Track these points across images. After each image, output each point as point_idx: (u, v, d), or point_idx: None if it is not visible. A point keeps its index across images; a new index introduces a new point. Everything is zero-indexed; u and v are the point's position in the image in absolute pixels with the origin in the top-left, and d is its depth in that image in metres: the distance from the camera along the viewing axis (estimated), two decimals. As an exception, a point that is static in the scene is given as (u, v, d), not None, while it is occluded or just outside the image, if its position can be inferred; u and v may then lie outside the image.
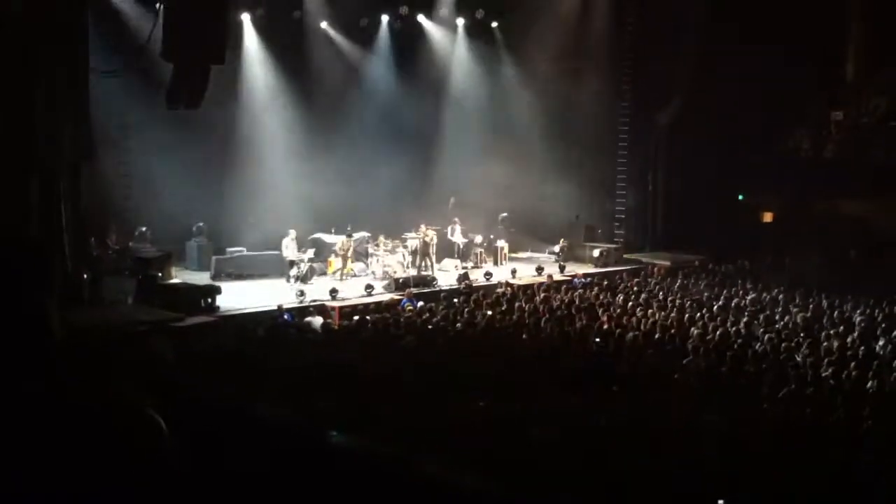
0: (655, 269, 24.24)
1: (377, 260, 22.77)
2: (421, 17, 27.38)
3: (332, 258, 22.68)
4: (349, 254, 22.47)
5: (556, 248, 26.71)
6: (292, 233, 22.07)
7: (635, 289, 20.43)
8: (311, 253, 22.25)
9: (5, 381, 2.42)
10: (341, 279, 21.82)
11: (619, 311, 17.66)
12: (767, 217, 29.47)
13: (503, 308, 17.80)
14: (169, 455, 2.39)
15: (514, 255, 26.77)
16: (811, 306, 18.05)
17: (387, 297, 20.13)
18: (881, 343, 14.57)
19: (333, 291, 19.86)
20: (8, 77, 15.96)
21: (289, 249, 21.91)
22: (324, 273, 22.37)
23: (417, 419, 7.50)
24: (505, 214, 27.56)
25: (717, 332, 15.07)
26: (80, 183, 17.72)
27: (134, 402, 2.45)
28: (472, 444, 6.40)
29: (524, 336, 14.76)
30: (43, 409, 2.35)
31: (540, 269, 24.19)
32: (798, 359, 13.29)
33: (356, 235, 22.85)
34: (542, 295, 19.59)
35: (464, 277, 22.48)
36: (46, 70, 16.44)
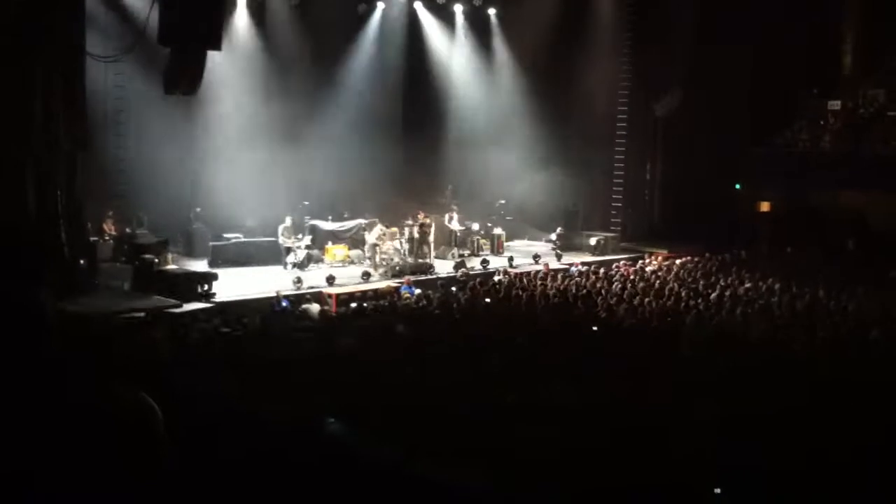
0: (652, 258, 24.24)
1: (374, 247, 22.73)
2: (418, 5, 27.31)
3: (330, 245, 22.73)
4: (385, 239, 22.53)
5: (554, 237, 26.72)
6: (288, 220, 22.07)
7: (632, 277, 20.43)
8: (307, 240, 22.24)
9: (2, 370, 2.41)
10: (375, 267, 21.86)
11: (615, 299, 17.66)
12: (764, 207, 29.45)
13: (500, 296, 17.80)
14: (162, 441, 2.39)
15: (511, 243, 26.78)
16: (807, 296, 18.04)
17: (384, 284, 20.14)
18: (876, 333, 14.57)
19: (330, 278, 19.87)
20: (3, 65, 15.88)
21: (285, 236, 21.91)
22: (321, 260, 22.37)
23: (413, 411, 7.50)
24: (502, 202, 27.58)
25: (714, 322, 15.10)
26: (77, 171, 17.68)
27: (128, 388, 2.44)
28: (468, 439, 6.40)
29: (521, 325, 14.74)
30: (38, 397, 2.34)
31: (537, 258, 24.20)
32: (794, 348, 13.31)
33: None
34: (539, 283, 19.60)
35: (461, 265, 22.48)
36: (42, 58, 16.36)
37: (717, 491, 6.63)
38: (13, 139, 16.13)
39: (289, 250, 21.74)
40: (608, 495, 5.86)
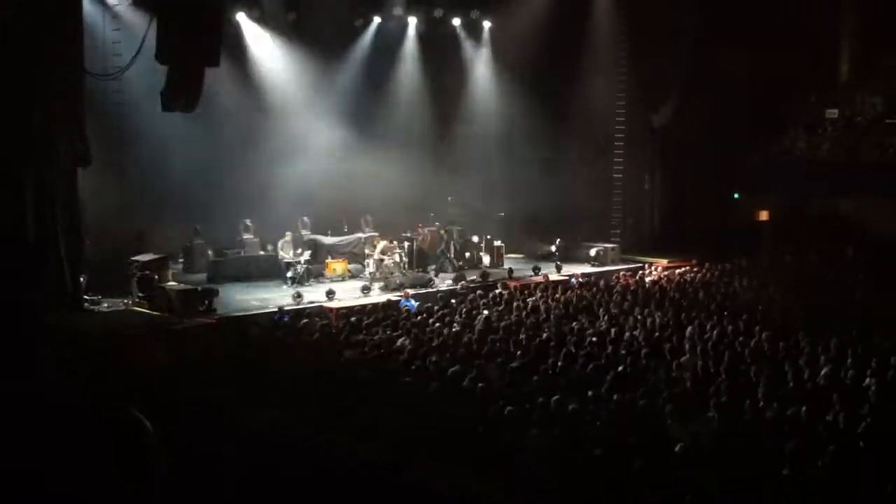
0: (652, 268, 24.24)
1: (374, 261, 22.70)
2: (415, 19, 27.34)
3: (329, 259, 22.75)
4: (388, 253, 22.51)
5: (553, 248, 26.70)
6: (288, 235, 22.10)
7: (632, 288, 20.42)
8: (307, 255, 22.25)
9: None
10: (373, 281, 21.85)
11: (615, 310, 17.66)
12: (763, 215, 29.48)
13: (500, 308, 17.79)
14: (154, 456, 2.38)
15: (510, 255, 26.76)
16: (808, 305, 18.03)
17: (384, 298, 20.13)
18: (878, 341, 14.56)
19: (330, 293, 19.87)
20: (2, 82, 15.93)
21: (285, 251, 21.91)
22: (320, 274, 22.38)
23: (413, 422, 7.50)
24: (502, 214, 27.58)
25: (714, 331, 15.08)
26: (77, 187, 17.70)
27: (118, 402, 2.44)
28: (468, 448, 6.40)
29: (521, 336, 14.74)
30: (29, 409, 2.34)
31: (537, 269, 24.18)
32: (795, 357, 13.30)
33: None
34: (539, 295, 19.58)
35: (460, 278, 22.47)
36: (41, 75, 16.41)
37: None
38: (12, 155, 16.16)
39: (289, 265, 21.74)
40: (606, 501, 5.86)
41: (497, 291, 20.40)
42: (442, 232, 24.29)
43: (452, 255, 24.18)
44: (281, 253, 21.95)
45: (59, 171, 17.08)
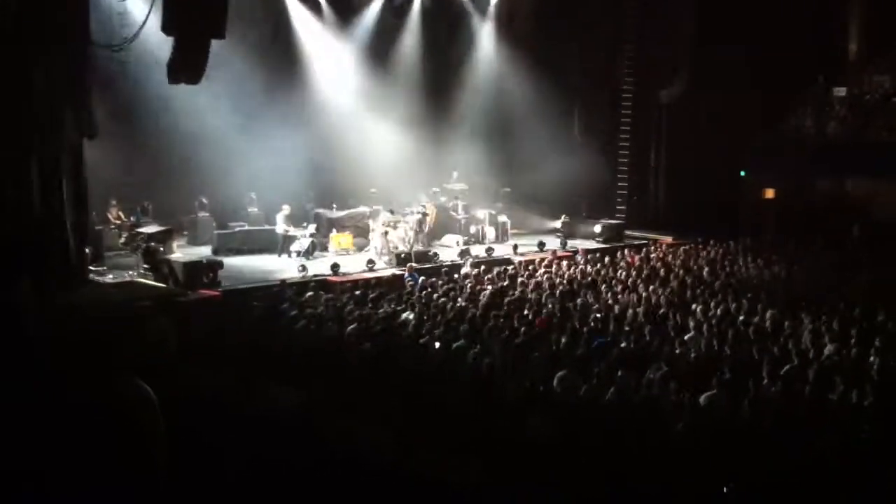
0: (657, 246, 24.21)
1: (379, 235, 22.67)
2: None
3: (334, 233, 22.74)
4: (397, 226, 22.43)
5: (559, 224, 26.68)
6: (286, 208, 22.06)
7: (637, 265, 20.41)
8: (311, 228, 22.24)
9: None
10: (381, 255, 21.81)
11: (620, 287, 17.66)
12: (769, 194, 29.38)
13: (505, 284, 17.80)
14: (158, 433, 2.37)
15: (515, 230, 26.74)
16: (813, 283, 18.02)
17: (388, 272, 20.14)
18: (882, 319, 14.56)
19: (335, 266, 19.88)
20: (6, 55, 15.84)
21: (282, 225, 21.89)
22: (325, 248, 22.38)
23: (414, 404, 7.50)
24: (507, 190, 27.54)
25: (719, 309, 15.09)
26: (83, 160, 17.66)
27: (125, 379, 2.42)
28: (469, 430, 6.41)
29: (525, 312, 14.76)
30: (30, 393, 2.34)
31: (542, 245, 24.17)
32: (800, 336, 13.31)
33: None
34: (544, 270, 19.58)
35: (465, 253, 22.46)
36: (45, 47, 16.32)
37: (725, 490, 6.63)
38: (16, 127, 16.09)
39: (287, 238, 21.73)
40: (609, 488, 5.87)
41: (502, 267, 20.42)
42: (423, 206, 24.03)
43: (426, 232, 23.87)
44: (284, 226, 21.90)
45: (64, 142, 17.01)
